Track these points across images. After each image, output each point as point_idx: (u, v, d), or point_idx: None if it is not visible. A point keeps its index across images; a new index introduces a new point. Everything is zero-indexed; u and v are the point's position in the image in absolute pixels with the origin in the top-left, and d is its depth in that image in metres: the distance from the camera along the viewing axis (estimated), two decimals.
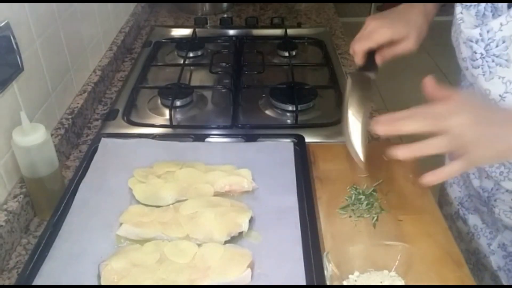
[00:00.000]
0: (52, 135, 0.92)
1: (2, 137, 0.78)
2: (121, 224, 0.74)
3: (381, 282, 0.68)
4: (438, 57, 3.17)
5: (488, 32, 0.71)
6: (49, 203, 0.80)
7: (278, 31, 1.47)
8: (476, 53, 0.73)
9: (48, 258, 0.69)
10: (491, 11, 0.72)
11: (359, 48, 0.83)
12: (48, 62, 0.93)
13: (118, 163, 0.87)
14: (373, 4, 4.18)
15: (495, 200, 0.85)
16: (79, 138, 1.03)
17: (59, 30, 0.99)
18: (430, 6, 0.86)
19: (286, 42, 1.38)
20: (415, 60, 2.29)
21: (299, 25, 1.53)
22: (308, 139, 0.95)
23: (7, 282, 0.72)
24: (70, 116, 1.00)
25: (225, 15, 1.63)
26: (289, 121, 1.08)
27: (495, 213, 0.86)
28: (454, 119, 0.56)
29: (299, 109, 1.06)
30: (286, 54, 1.35)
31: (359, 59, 0.84)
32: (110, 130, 1.02)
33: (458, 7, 0.76)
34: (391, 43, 0.82)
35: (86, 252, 0.70)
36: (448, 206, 1.02)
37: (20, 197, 0.80)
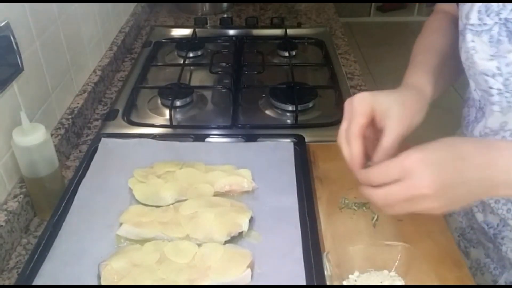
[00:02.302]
0: (52, 135, 0.92)
1: (2, 137, 0.78)
2: (121, 224, 0.74)
3: (381, 282, 0.68)
4: None
5: (507, 65, 0.63)
6: (49, 203, 0.80)
7: (278, 31, 1.47)
8: (492, 88, 0.66)
9: (48, 258, 0.69)
10: (507, 36, 0.63)
11: (339, 137, 0.64)
12: (48, 62, 0.93)
13: (118, 163, 0.87)
14: (373, 4, 4.18)
15: (502, 238, 0.76)
16: (79, 138, 1.03)
17: (59, 30, 0.99)
18: (428, 85, 0.70)
19: (286, 42, 1.38)
20: None
21: (299, 25, 1.53)
22: (308, 139, 0.95)
23: (7, 282, 0.72)
24: (70, 116, 1.00)
25: (225, 15, 1.63)
26: (289, 121, 1.08)
27: (502, 250, 0.77)
28: (424, 204, 0.54)
29: (299, 109, 1.06)
30: (286, 54, 1.35)
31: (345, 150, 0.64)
32: (110, 130, 1.02)
33: (469, 34, 0.67)
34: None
35: (86, 252, 0.70)
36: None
37: (20, 197, 0.80)
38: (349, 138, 0.62)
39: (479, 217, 0.79)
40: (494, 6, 0.64)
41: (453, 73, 0.78)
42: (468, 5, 0.68)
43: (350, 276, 0.69)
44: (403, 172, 0.54)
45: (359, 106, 0.63)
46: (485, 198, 0.64)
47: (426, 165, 0.53)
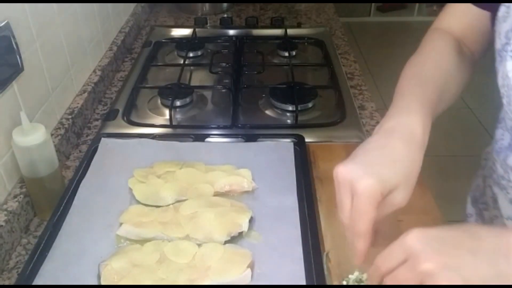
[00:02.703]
0: (52, 135, 0.92)
1: (2, 137, 0.78)
2: (121, 224, 0.74)
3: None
4: None
5: None
6: (49, 203, 0.80)
7: (278, 31, 1.47)
8: None
9: (48, 258, 0.69)
10: None
11: (358, 238, 0.57)
12: (48, 62, 0.93)
13: (118, 163, 0.87)
14: (373, 4, 4.18)
15: None
16: (79, 138, 1.04)
17: (59, 30, 0.99)
18: (420, 129, 0.59)
19: (286, 42, 1.38)
20: None
21: (299, 25, 1.53)
22: (308, 139, 0.95)
23: (7, 282, 0.72)
24: (70, 116, 1.00)
25: (225, 15, 1.63)
26: (289, 121, 1.08)
27: None
28: (438, 279, 0.47)
29: (299, 109, 1.06)
30: (286, 54, 1.35)
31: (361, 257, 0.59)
32: (110, 130, 1.02)
33: (510, 62, 0.61)
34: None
35: (86, 252, 0.70)
36: None
37: (20, 197, 0.80)
38: (355, 233, 0.57)
39: None
40: None
41: (452, 96, 0.71)
42: (509, 22, 0.62)
43: (350, 276, 0.69)
44: (406, 253, 0.50)
45: (369, 202, 0.54)
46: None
47: (426, 239, 0.49)
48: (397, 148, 0.57)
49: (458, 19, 0.77)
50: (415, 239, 0.49)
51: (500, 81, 0.65)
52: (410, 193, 0.58)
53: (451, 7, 0.78)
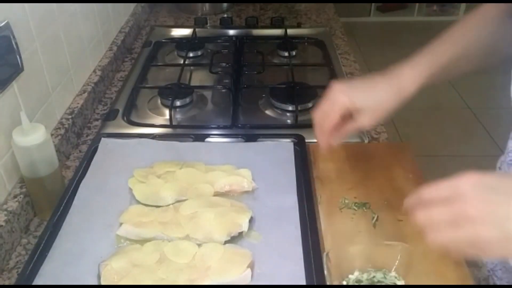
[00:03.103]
0: (52, 135, 0.92)
1: (2, 137, 0.78)
2: (121, 224, 0.74)
3: (381, 282, 0.68)
4: None
5: None
6: (49, 203, 0.80)
7: (278, 31, 1.47)
8: None
9: (48, 258, 0.69)
10: None
11: (321, 133, 0.76)
12: (48, 62, 0.93)
13: (118, 163, 0.87)
14: (373, 4, 4.18)
15: None
16: (79, 138, 1.03)
17: (59, 30, 0.99)
18: (410, 80, 0.73)
19: (286, 42, 1.38)
20: None
21: (299, 25, 1.53)
22: (308, 139, 0.95)
23: (7, 282, 0.72)
24: (70, 116, 1.00)
25: (225, 15, 1.63)
26: (289, 121, 1.08)
27: None
28: (470, 229, 0.49)
29: (299, 109, 1.06)
30: (286, 54, 1.35)
31: (324, 144, 0.77)
32: (110, 130, 1.02)
33: None
34: (348, 116, 0.74)
35: (86, 252, 0.70)
36: (477, 269, 0.87)
37: (20, 197, 0.80)
38: (324, 126, 0.75)
39: None
40: None
41: (475, 63, 0.76)
42: None
43: (350, 276, 0.69)
44: (455, 192, 0.50)
45: (335, 111, 0.73)
46: None
47: (480, 186, 0.49)
48: (379, 82, 0.74)
49: None
50: (468, 183, 0.49)
51: None
52: (372, 121, 0.74)
53: None
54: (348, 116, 0.74)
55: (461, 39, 0.75)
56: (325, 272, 0.67)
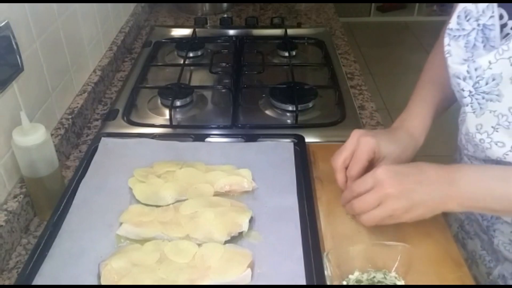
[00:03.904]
0: (52, 135, 0.92)
1: (2, 137, 0.78)
2: (121, 223, 0.74)
3: (381, 282, 0.68)
4: None
5: (476, 69, 0.66)
6: (49, 203, 0.80)
7: (278, 31, 1.47)
8: (464, 90, 0.69)
9: (48, 257, 0.69)
10: (482, 42, 0.67)
11: (337, 161, 0.78)
12: (48, 62, 0.93)
13: (118, 163, 0.87)
14: (373, 4, 4.18)
15: (494, 231, 0.79)
16: (79, 138, 1.04)
17: (59, 30, 0.99)
18: (418, 130, 0.81)
19: (286, 42, 1.38)
20: (414, 59, 2.30)
21: (299, 25, 1.53)
22: (308, 139, 0.95)
23: (7, 282, 0.72)
24: (70, 116, 1.00)
25: (225, 15, 1.63)
26: (289, 121, 1.08)
27: (494, 243, 0.80)
28: (390, 203, 0.68)
29: (299, 109, 1.06)
30: (286, 54, 1.35)
31: (340, 176, 0.78)
32: (110, 130, 1.02)
33: (446, 38, 0.70)
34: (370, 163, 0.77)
35: (86, 252, 0.70)
36: (475, 264, 0.90)
37: (20, 197, 0.80)
38: (352, 170, 0.76)
39: None
40: (474, 12, 0.67)
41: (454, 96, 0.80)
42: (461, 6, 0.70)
43: (350, 276, 0.69)
44: (375, 181, 0.69)
45: (364, 152, 0.75)
46: (442, 210, 0.71)
47: (392, 172, 0.69)
48: (398, 135, 0.80)
49: None
50: (382, 172, 0.69)
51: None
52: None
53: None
54: (370, 163, 0.77)
55: (441, 80, 0.80)
56: (325, 272, 0.67)
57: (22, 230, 0.80)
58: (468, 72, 0.67)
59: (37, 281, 0.66)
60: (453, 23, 0.70)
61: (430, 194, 0.67)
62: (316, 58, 1.37)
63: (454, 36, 0.70)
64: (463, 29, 0.69)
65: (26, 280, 0.66)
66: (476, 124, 0.71)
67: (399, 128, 0.81)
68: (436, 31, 0.79)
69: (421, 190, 0.67)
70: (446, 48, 0.70)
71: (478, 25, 0.67)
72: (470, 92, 0.69)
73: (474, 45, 0.68)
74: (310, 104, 1.11)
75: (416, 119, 0.82)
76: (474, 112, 0.70)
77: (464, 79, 0.68)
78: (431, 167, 0.69)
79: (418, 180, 0.68)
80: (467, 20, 0.68)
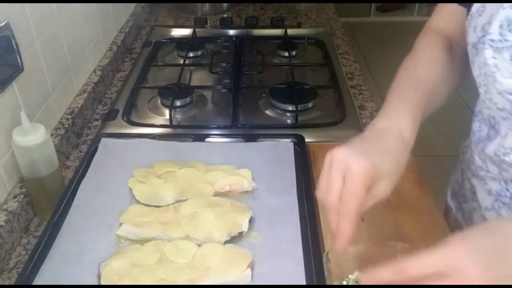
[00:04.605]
0: (52, 135, 0.92)
1: (2, 137, 0.78)
2: (121, 224, 0.74)
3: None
4: None
5: None
6: (49, 203, 0.80)
7: (278, 31, 1.47)
8: None
9: (48, 258, 0.69)
10: None
11: (330, 199, 0.57)
12: (48, 62, 0.93)
13: (118, 163, 0.87)
14: (373, 4, 4.18)
15: None
16: (79, 138, 1.04)
17: (59, 30, 0.99)
18: (408, 132, 0.63)
19: (286, 42, 1.38)
20: None
21: (299, 25, 1.53)
22: (308, 139, 0.95)
23: (7, 282, 0.72)
24: (70, 116, 1.00)
25: (225, 15, 1.63)
26: (289, 121, 1.08)
27: None
28: None
29: (299, 109, 1.06)
30: (286, 54, 1.35)
31: (334, 218, 0.58)
32: (110, 130, 1.02)
33: (489, 50, 0.62)
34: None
35: (86, 252, 0.70)
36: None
37: (20, 197, 0.80)
38: (344, 214, 0.56)
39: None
40: None
41: (444, 97, 0.74)
42: (485, 16, 0.63)
43: (350, 276, 0.69)
44: (450, 267, 0.46)
45: (358, 184, 0.55)
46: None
47: (474, 258, 0.46)
48: (390, 143, 0.61)
49: (447, 19, 0.78)
50: (461, 252, 0.46)
51: (476, 72, 0.66)
52: (392, 187, 0.59)
53: (440, 7, 0.79)
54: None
55: (427, 79, 0.71)
56: (325, 272, 0.67)
57: (22, 230, 0.80)
58: None
59: (37, 281, 0.66)
60: (494, 33, 0.61)
61: None
62: (316, 58, 1.37)
63: (497, 48, 0.61)
64: (506, 40, 0.61)
65: (26, 280, 0.66)
66: None
67: (385, 132, 0.62)
68: None
69: None
70: (491, 61, 0.62)
71: None
72: None
73: None
74: (310, 104, 1.11)
75: (404, 120, 0.64)
76: None
77: None
78: None
79: (507, 255, 0.47)
80: (510, 31, 0.60)
